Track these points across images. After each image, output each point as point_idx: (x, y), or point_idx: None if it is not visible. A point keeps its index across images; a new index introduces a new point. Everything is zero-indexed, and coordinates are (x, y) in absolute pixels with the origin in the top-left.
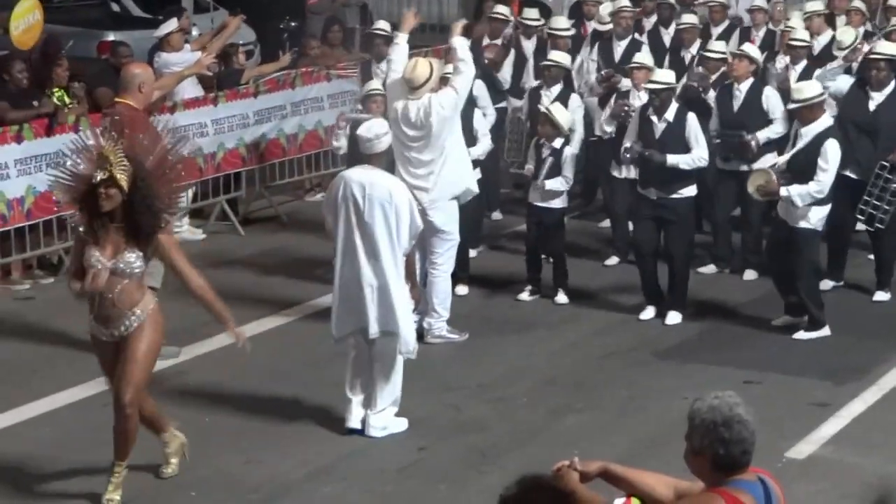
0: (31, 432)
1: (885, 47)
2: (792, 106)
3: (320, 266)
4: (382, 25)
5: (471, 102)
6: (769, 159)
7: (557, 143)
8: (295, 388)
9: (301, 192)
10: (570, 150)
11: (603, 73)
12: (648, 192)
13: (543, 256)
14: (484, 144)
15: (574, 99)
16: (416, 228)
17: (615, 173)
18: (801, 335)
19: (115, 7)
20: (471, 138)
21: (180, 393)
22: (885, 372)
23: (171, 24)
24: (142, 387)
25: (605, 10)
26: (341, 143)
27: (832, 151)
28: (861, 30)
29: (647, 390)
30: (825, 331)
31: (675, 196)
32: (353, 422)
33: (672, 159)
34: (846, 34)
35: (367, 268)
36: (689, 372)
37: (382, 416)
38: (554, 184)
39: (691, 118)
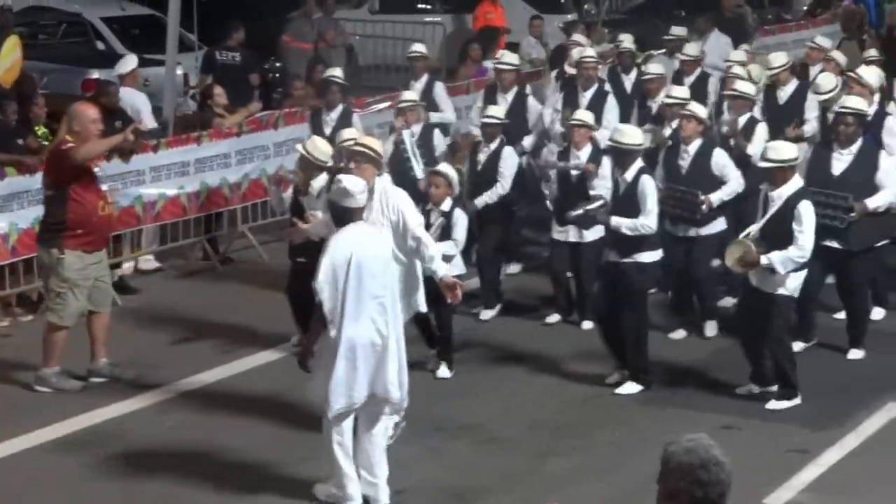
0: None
1: (854, 101)
2: (766, 164)
3: None
4: (337, 73)
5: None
6: (720, 223)
7: (446, 205)
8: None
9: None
10: (460, 212)
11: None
12: (608, 254)
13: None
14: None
15: (507, 151)
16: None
17: (554, 234)
18: (773, 405)
19: (100, 45)
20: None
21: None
22: (864, 419)
23: (132, 62)
24: None
25: (577, 53)
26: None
27: (807, 213)
28: (841, 78)
29: (629, 435)
30: (797, 400)
31: (629, 261)
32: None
33: (615, 221)
34: (826, 79)
35: (379, 330)
36: (668, 417)
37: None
38: (442, 247)
39: (646, 182)
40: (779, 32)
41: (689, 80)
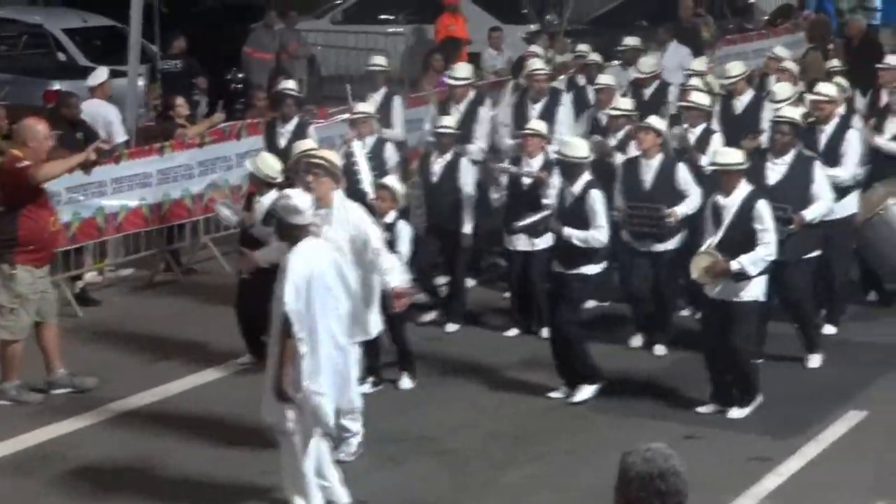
0: None
1: (789, 111)
2: (714, 168)
3: None
4: (291, 85)
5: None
6: (681, 238)
7: (390, 217)
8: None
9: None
10: (404, 224)
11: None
12: (554, 265)
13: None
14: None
15: (464, 162)
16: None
17: (510, 246)
18: (735, 413)
19: (62, 56)
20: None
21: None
22: (825, 428)
23: (102, 74)
24: None
25: (533, 64)
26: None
27: (766, 211)
28: (800, 87)
29: (587, 445)
30: (758, 401)
31: (574, 272)
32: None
33: (567, 232)
34: (782, 88)
35: (338, 343)
36: (629, 426)
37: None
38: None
39: (594, 195)
40: (740, 42)
41: (648, 91)
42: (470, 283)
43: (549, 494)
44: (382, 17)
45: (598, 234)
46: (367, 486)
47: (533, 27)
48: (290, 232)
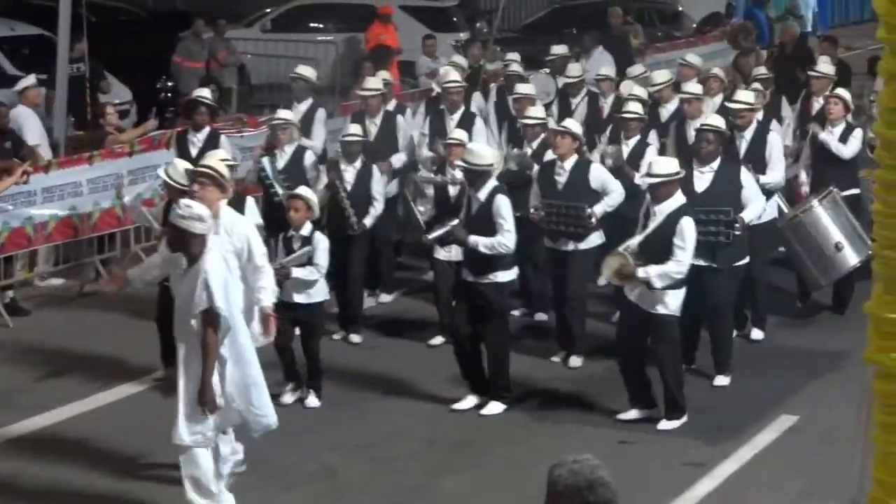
0: None
1: (714, 119)
2: (648, 180)
3: None
4: (205, 93)
5: None
6: (597, 238)
7: (306, 230)
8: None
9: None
10: (320, 236)
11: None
12: (464, 273)
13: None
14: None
15: (374, 169)
16: None
17: (436, 255)
18: (664, 425)
19: None
20: None
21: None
22: (758, 432)
23: (30, 79)
24: None
25: (447, 75)
26: None
27: (689, 229)
28: (718, 98)
29: (523, 452)
30: (684, 419)
31: (486, 280)
32: None
33: (472, 240)
34: (660, 74)
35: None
36: (564, 432)
37: None
38: (302, 272)
39: (500, 200)
40: (669, 50)
41: (576, 100)
42: (385, 298)
43: (485, 500)
44: (312, 25)
45: (506, 240)
46: (301, 495)
47: (462, 35)
48: (192, 241)
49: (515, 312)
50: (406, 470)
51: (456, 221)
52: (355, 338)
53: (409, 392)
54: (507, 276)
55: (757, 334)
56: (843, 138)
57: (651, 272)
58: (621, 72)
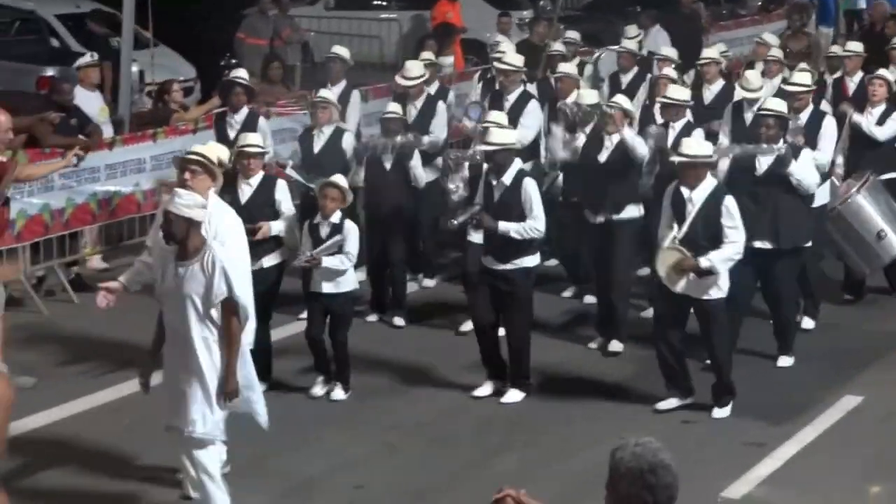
0: None
1: (774, 103)
2: (679, 160)
3: None
4: (242, 74)
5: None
6: (636, 209)
7: (336, 217)
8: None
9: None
10: (351, 224)
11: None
12: (487, 261)
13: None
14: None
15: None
16: None
17: (469, 237)
18: (719, 413)
19: (55, 42)
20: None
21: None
22: (820, 413)
23: (87, 57)
24: None
25: (504, 56)
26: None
27: (734, 207)
28: (777, 80)
29: (584, 431)
30: (733, 401)
31: (509, 266)
32: None
33: (503, 226)
34: (754, 76)
35: None
36: (626, 413)
37: None
38: (333, 262)
39: (528, 183)
40: (733, 28)
41: (626, 78)
42: (429, 282)
43: (542, 479)
44: (376, 2)
45: (537, 224)
46: (364, 474)
47: (526, 13)
48: (192, 230)
49: (567, 294)
50: (464, 448)
51: (477, 207)
52: (399, 321)
53: (460, 375)
54: (534, 260)
55: (808, 323)
56: (882, 120)
57: (714, 259)
58: (691, 51)
